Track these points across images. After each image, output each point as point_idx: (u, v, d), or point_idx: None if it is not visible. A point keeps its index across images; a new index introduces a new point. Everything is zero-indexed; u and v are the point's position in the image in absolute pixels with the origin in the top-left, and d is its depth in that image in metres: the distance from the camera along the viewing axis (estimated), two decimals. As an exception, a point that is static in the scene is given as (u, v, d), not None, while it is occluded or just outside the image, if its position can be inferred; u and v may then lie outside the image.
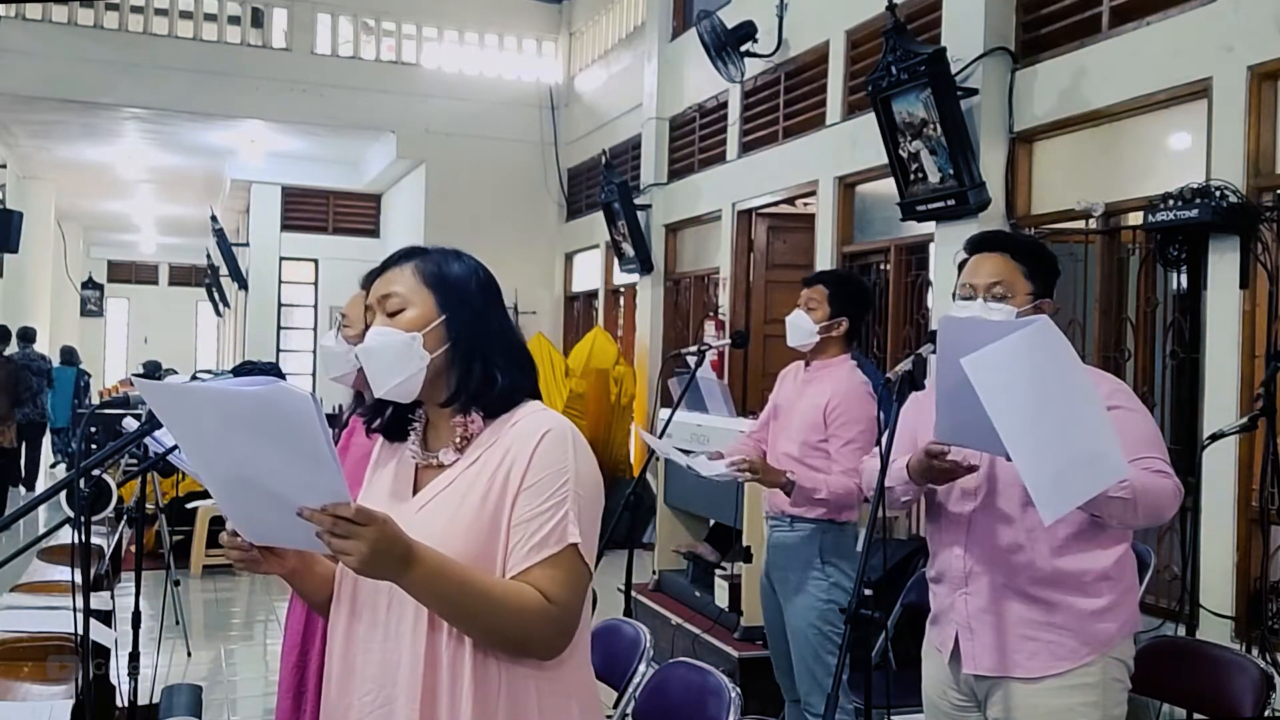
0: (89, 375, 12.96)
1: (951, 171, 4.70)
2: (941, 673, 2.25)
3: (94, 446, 7.60)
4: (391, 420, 1.58)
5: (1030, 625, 2.09)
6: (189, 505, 6.90)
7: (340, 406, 2.27)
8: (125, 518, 4.64)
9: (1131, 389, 2.26)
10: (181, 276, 23.72)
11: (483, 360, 1.51)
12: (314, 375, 12.72)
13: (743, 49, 6.82)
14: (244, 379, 1.30)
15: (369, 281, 2.15)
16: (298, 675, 2.10)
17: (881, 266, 5.94)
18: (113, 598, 3.71)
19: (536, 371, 1.59)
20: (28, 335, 10.24)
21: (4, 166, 11.78)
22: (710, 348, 4.17)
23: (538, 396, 1.58)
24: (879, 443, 2.21)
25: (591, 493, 1.48)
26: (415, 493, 1.53)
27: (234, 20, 10.62)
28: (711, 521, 5.19)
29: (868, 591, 2.25)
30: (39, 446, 10.50)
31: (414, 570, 1.33)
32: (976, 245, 2.28)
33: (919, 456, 2.10)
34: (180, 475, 6.69)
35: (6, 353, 9.22)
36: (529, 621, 1.40)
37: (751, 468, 3.09)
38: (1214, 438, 3.33)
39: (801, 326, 3.30)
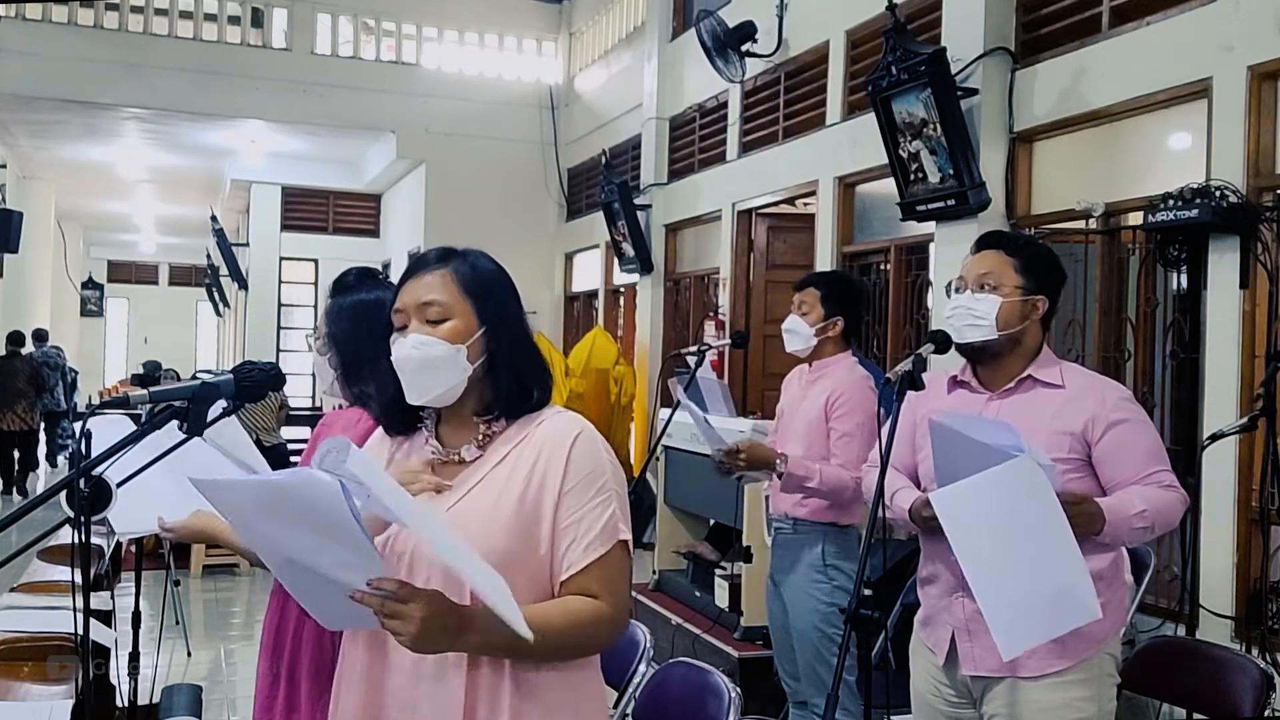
0: (76, 372, 13.30)
1: (951, 171, 4.70)
2: (934, 672, 2.27)
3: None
4: (401, 414, 1.58)
5: None
6: (189, 505, 6.88)
7: (340, 407, 2.27)
8: (125, 518, 4.63)
9: (1132, 391, 2.29)
10: (181, 276, 23.73)
11: (519, 372, 1.53)
12: (314, 376, 12.70)
13: (743, 49, 6.82)
14: (282, 473, 1.30)
15: (336, 290, 2.15)
16: (273, 669, 2.10)
17: (881, 266, 5.94)
18: (113, 598, 3.71)
19: (552, 376, 1.61)
20: (41, 336, 11.54)
21: (4, 166, 11.79)
22: (710, 348, 4.16)
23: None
24: (879, 440, 2.21)
25: (624, 490, 1.53)
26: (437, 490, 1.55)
27: (234, 20, 10.62)
28: (711, 521, 5.19)
29: (867, 592, 2.25)
30: (56, 432, 11.79)
31: (468, 636, 1.35)
32: (977, 244, 2.32)
33: (920, 508, 2.14)
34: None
35: (25, 351, 10.71)
36: (588, 632, 1.47)
37: (743, 457, 3.08)
38: (1214, 438, 3.33)
39: (798, 331, 3.29)
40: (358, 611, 1.30)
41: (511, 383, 1.52)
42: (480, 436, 1.53)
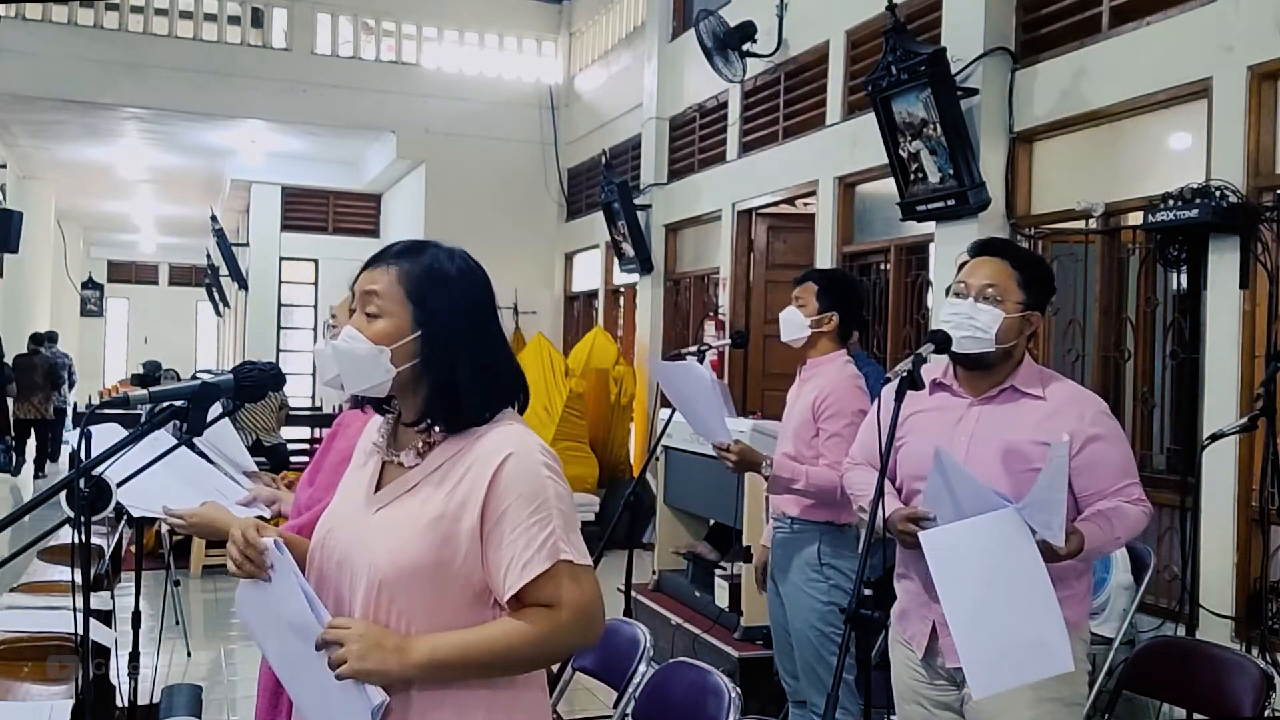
0: (75, 376, 13.53)
1: (951, 171, 4.70)
2: (915, 664, 2.29)
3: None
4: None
5: None
6: (189, 505, 6.87)
7: (340, 407, 2.27)
8: (125, 518, 4.63)
9: (1132, 391, 2.31)
10: (181, 276, 23.73)
11: (449, 381, 1.48)
12: (313, 375, 12.72)
13: (743, 49, 6.83)
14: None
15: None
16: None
17: (881, 266, 5.94)
18: (113, 598, 3.70)
19: (519, 387, 1.56)
20: (52, 338, 12.44)
21: (4, 166, 11.80)
22: (710, 348, 4.17)
23: (520, 397, 1.57)
24: (879, 441, 2.21)
25: (571, 511, 1.47)
26: (378, 489, 1.54)
27: (234, 20, 10.62)
28: (711, 521, 5.19)
29: (867, 591, 2.25)
30: (61, 429, 12.40)
31: (411, 654, 1.38)
32: (979, 249, 2.32)
33: (900, 521, 2.18)
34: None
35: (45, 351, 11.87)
36: (540, 646, 1.43)
37: (734, 458, 3.13)
38: (1214, 438, 3.33)
39: (793, 321, 3.32)
40: (331, 698, 1.39)
41: (438, 393, 1.48)
42: (420, 444, 1.51)
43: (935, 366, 2.35)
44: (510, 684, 1.47)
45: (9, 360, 11.27)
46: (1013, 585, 1.94)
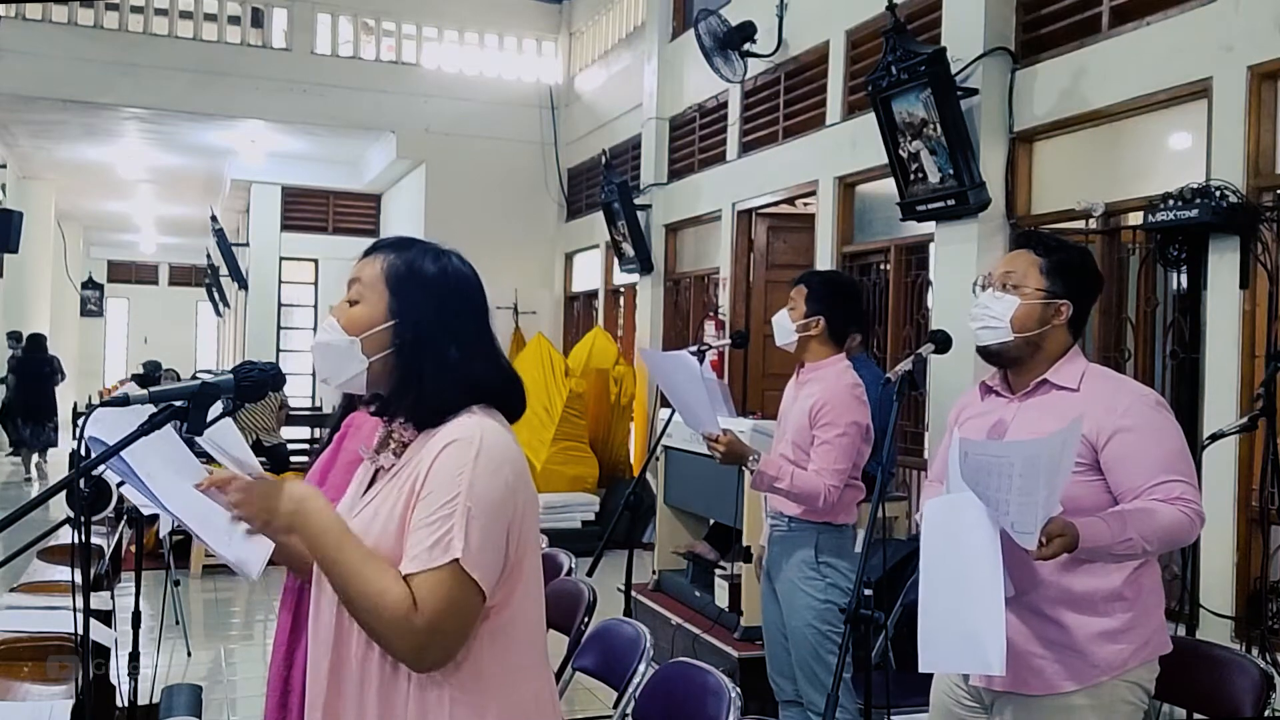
0: None
1: (951, 171, 4.70)
2: (952, 675, 2.25)
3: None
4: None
5: (1038, 643, 2.07)
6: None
7: (334, 407, 2.26)
8: (125, 518, 4.63)
9: (1160, 396, 2.21)
10: (181, 276, 23.73)
11: (416, 375, 1.46)
12: (313, 376, 12.72)
13: (743, 49, 6.83)
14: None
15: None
16: (284, 673, 2.09)
17: (881, 266, 5.94)
18: (113, 598, 3.70)
19: (505, 393, 1.52)
20: (17, 336, 12.46)
21: (4, 166, 11.80)
22: (710, 348, 4.16)
23: (499, 403, 1.51)
24: (880, 444, 2.21)
25: (488, 509, 1.38)
26: (366, 492, 1.54)
27: (234, 20, 10.62)
28: (711, 521, 5.20)
29: (867, 591, 2.25)
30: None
31: (301, 519, 1.42)
32: (1011, 243, 2.28)
33: None
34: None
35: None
36: (379, 622, 1.36)
37: (722, 448, 3.13)
38: (1214, 438, 3.33)
39: (782, 326, 3.32)
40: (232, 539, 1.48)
41: (404, 386, 1.47)
42: (394, 445, 1.49)
43: (957, 365, 2.33)
44: (479, 682, 1.42)
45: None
46: (967, 568, 1.88)
